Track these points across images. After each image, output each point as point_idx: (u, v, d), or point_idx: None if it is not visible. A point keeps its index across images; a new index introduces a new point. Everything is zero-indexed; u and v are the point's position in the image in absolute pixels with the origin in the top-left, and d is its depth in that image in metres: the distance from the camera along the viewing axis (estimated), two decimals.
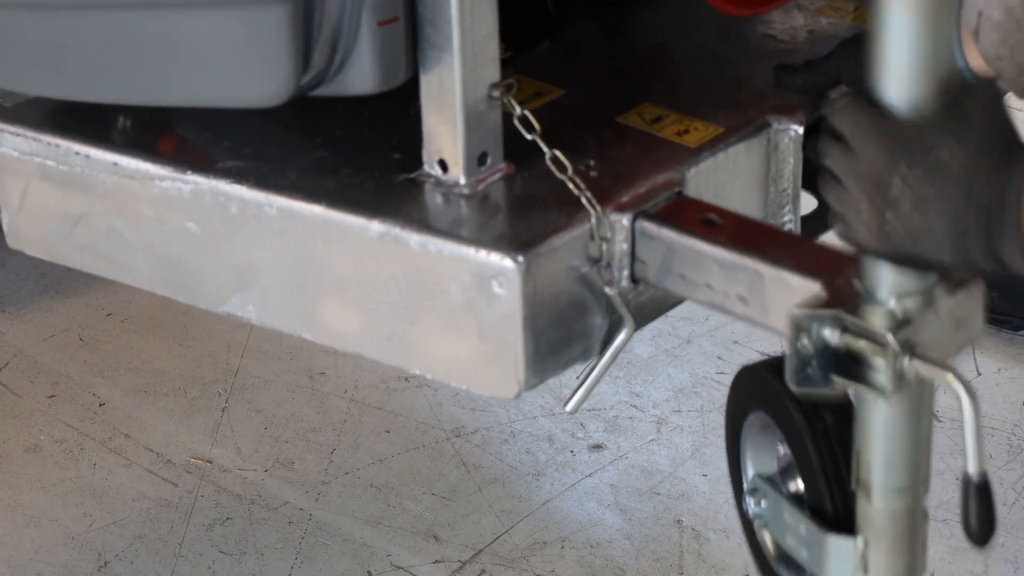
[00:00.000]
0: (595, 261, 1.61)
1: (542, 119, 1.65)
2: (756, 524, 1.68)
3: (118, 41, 1.67)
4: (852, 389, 1.44)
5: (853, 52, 1.89)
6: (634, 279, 1.64)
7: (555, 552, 2.69)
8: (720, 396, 2.99)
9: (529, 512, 2.78)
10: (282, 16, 1.56)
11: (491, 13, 1.60)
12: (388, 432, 2.99)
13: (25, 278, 3.44)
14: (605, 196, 1.62)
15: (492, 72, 1.62)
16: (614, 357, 1.64)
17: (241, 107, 1.66)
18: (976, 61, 1.81)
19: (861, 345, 1.41)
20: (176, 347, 3.23)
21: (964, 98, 1.36)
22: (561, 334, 1.61)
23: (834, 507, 1.58)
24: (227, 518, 2.78)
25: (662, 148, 1.74)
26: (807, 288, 1.50)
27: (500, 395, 1.62)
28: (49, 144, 1.81)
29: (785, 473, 1.65)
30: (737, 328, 3.22)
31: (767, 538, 1.68)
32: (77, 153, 1.79)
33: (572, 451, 2.92)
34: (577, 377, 1.65)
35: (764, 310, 1.56)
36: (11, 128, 1.83)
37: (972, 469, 1.41)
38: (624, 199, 1.63)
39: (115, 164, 1.77)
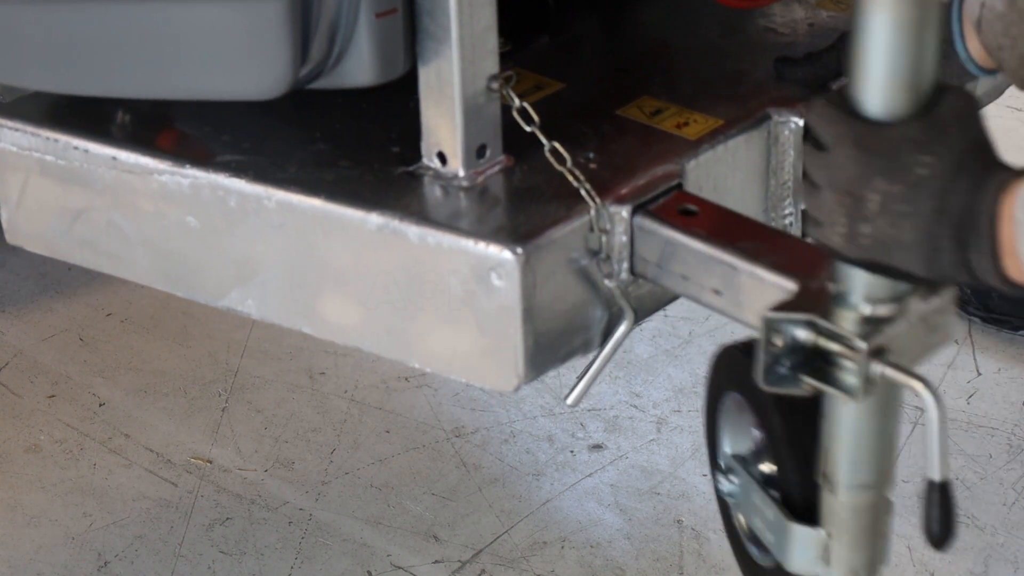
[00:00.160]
0: (594, 253, 1.60)
1: (541, 112, 1.65)
2: (728, 502, 1.70)
3: (116, 34, 1.67)
4: (821, 389, 1.45)
5: None
6: (633, 271, 1.64)
7: (555, 552, 2.68)
8: None
9: (529, 512, 2.78)
10: (280, 8, 1.56)
11: (489, 5, 1.60)
12: (388, 432, 2.98)
13: (25, 278, 3.44)
14: (604, 188, 1.62)
15: (491, 64, 1.62)
16: (614, 350, 1.64)
17: (239, 100, 1.66)
18: (978, 51, 1.81)
19: (832, 347, 1.43)
20: (176, 347, 3.22)
21: (941, 107, 1.36)
22: (560, 327, 1.60)
23: (801, 495, 1.59)
24: (227, 518, 2.78)
25: (662, 140, 1.74)
26: (781, 285, 1.51)
27: (499, 388, 1.62)
28: (48, 139, 1.81)
29: (757, 455, 1.66)
30: (737, 328, 3.20)
31: (739, 515, 1.70)
32: (76, 148, 1.79)
33: (572, 451, 2.92)
34: (577, 377, 1.66)
35: (738, 304, 1.58)
36: (10, 123, 1.83)
37: (935, 475, 1.42)
38: (623, 191, 1.63)
39: (114, 159, 1.77)
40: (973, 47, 1.82)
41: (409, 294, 1.62)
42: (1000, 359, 3.09)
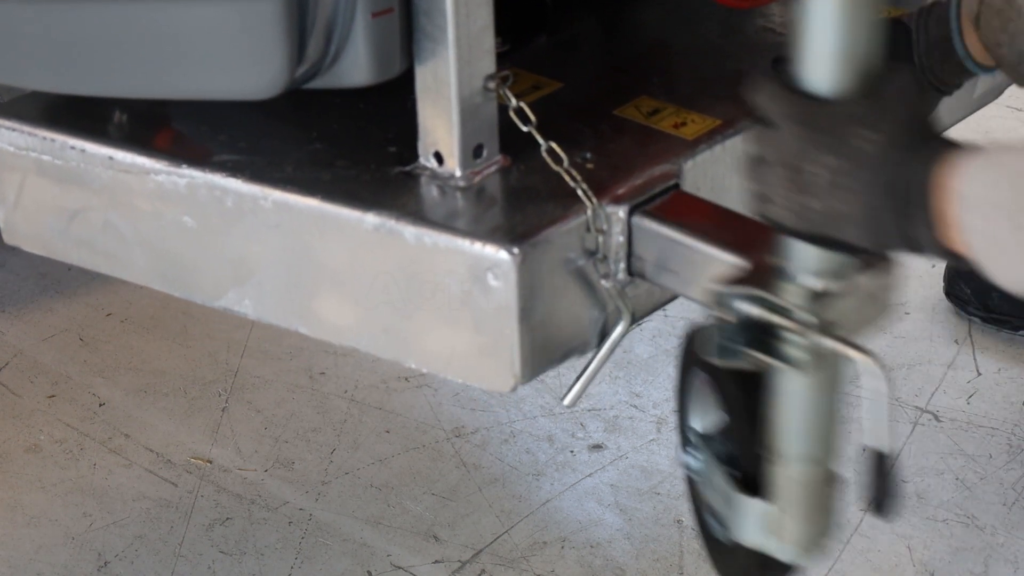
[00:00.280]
0: (591, 253, 1.60)
1: (539, 112, 1.65)
2: (693, 479, 1.72)
3: (112, 34, 1.67)
4: (768, 363, 1.49)
5: None
6: (631, 271, 1.64)
7: (555, 552, 2.68)
8: None
9: (529, 512, 2.77)
10: (276, 7, 1.55)
11: (486, 4, 1.60)
12: (388, 432, 2.98)
13: (25, 278, 3.44)
14: (601, 188, 1.62)
15: (488, 64, 1.62)
16: (611, 350, 1.64)
17: (236, 99, 1.66)
18: (976, 49, 1.81)
19: (777, 321, 1.46)
20: (176, 347, 3.22)
21: (883, 84, 1.39)
22: (557, 327, 1.60)
23: (757, 470, 1.62)
24: (227, 518, 2.78)
25: (659, 140, 1.74)
26: (729, 262, 1.54)
27: (496, 388, 1.62)
28: (45, 139, 1.81)
29: (722, 434, 1.67)
30: None
31: (703, 492, 1.72)
32: (73, 148, 1.79)
33: (572, 451, 2.92)
34: (575, 378, 1.65)
35: (685, 281, 1.60)
36: (7, 123, 1.83)
37: (879, 445, 1.46)
38: (620, 191, 1.63)
39: (111, 158, 1.77)
40: (972, 44, 1.82)
41: (406, 294, 1.62)
42: (1000, 359, 3.09)
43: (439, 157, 1.65)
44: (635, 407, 3.03)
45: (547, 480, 2.85)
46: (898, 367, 3.06)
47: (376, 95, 1.70)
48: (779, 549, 1.62)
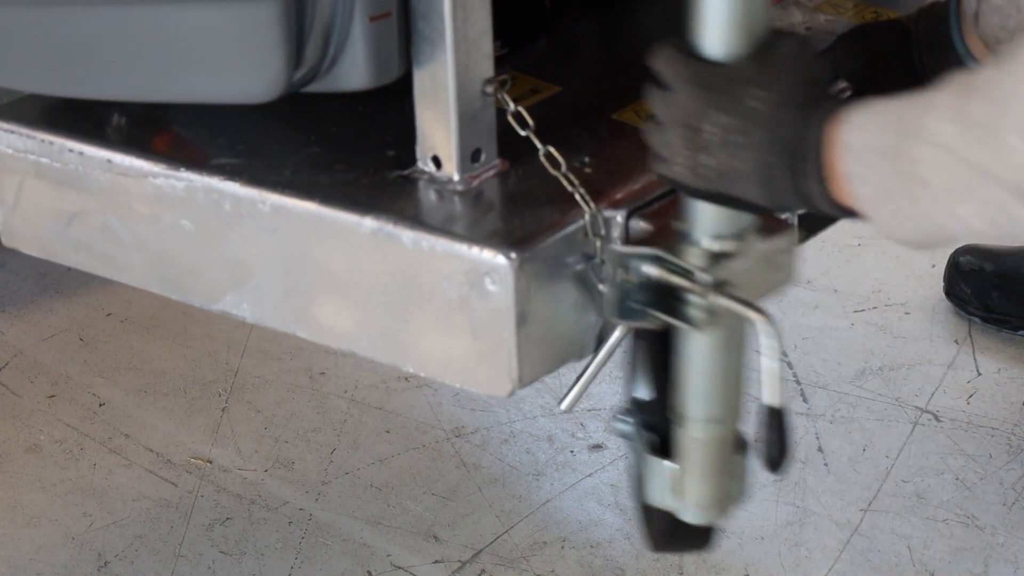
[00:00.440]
0: (589, 258, 1.60)
1: (537, 116, 1.64)
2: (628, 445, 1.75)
3: (111, 37, 1.67)
4: (668, 322, 1.54)
5: (851, 48, 1.89)
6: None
7: (555, 552, 2.68)
8: None
9: (529, 512, 2.77)
10: (274, 11, 1.55)
11: (484, 8, 1.59)
12: (388, 432, 2.98)
13: (25, 278, 3.44)
14: (600, 193, 1.62)
15: (486, 68, 1.62)
16: (609, 355, 1.64)
17: (234, 103, 1.66)
18: (976, 46, 1.81)
19: (676, 281, 1.52)
20: (176, 347, 3.22)
21: (774, 47, 1.45)
22: (555, 331, 1.60)
23: (667, 433, 1.65)
24: (227, 518, 2.78)
25: None
26: (632, 226, 1.60)
27: (494, 393, 1.62)
28: (43, 141, 1.80)
29: (651, 400, 1.69)
30: None
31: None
32: (71, 150, 1.79)
33: (572, 451, 2.92)
34: (572, 382, 1.65)
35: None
36: (5, 125, 1.82)
37: (772, 401, 1.52)
38: (619, 196, 1.63)
39: (109, 161, 1.77)
40: (971, 42, 1.81)
41: (403, 298, 1.62)
42: (1000, 359, 3.09)
43: (437, 161, 1.65)
44: None
45: (547, 480, 2.85)
46: (898, 367, 3.06)
47: (374, 99, 1.69)
48: (682, 509, 1.65)
